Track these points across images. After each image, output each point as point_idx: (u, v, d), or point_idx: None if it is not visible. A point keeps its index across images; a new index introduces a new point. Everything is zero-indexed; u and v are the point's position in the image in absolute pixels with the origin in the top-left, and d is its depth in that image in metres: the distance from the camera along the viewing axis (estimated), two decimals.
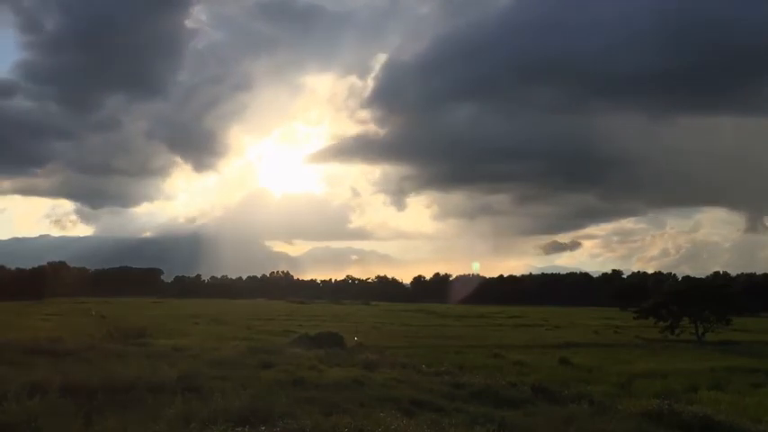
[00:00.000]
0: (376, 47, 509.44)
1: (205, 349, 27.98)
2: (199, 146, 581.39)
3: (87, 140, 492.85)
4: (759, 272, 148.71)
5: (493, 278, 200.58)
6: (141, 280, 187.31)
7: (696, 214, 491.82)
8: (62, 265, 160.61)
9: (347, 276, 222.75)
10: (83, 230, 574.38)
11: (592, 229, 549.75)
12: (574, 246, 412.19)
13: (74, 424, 11.04)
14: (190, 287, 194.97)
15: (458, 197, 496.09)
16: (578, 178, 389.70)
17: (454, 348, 36.69)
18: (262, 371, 19.61)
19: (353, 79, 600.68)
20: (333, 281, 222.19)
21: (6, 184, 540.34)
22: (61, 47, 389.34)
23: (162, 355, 24.37)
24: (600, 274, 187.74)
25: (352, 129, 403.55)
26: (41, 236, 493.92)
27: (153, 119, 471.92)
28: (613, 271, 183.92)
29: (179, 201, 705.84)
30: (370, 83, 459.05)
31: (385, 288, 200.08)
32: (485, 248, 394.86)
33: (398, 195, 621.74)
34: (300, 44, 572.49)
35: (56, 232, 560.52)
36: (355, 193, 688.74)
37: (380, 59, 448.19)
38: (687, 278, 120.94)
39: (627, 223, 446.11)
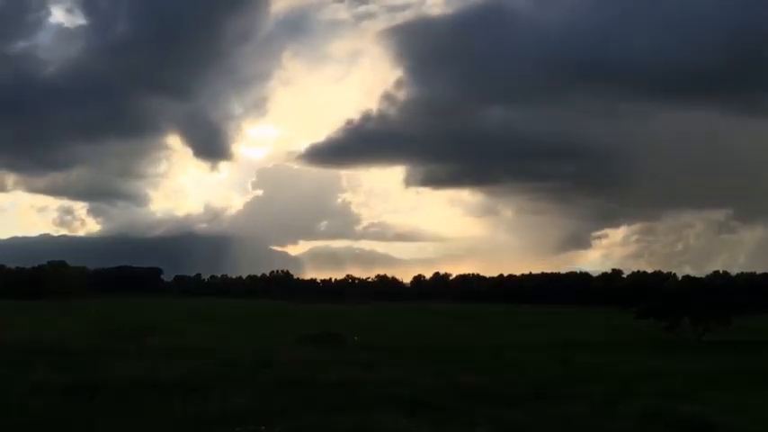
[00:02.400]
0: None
1: (205, 349, 28.04)
2: (217, 145, 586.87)
3: (109, 141, 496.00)
4: (759, 271, 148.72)
5: (493, 277, 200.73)
6: (141, 279, 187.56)
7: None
8: (62, 264, 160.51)
9: (347, 276, 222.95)
10: (90, 230, 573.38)
11: (621, 231, 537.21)
12: (600, 246, 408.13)
13: (74, 424, 11.05)
14: (190, 286, 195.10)
15: (474, 196, 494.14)
16: (613, 180, 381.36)
17: (454, 348, 36.69)
18: (262, 371, 19.61)
19: (382, 74, 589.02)
20: (333, 280, 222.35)
21: (13, 180, 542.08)
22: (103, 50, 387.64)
23: (162, 354, 24.41)
24: (600, 273, 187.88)
25: (376, 124, 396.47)
26: (42, 235, 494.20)
27: (180, 120, 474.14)
28: (613, 270, 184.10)
29: (189, 200, 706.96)
30: (398, 79, 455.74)
31: (385, 287, 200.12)
32: (499, 249, 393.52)
33: (416, 194, 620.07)
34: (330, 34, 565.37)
35: (64, 232, 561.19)
36: (369, 192, 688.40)
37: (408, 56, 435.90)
38: (687, 277, 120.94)
39: (658, 225, 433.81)
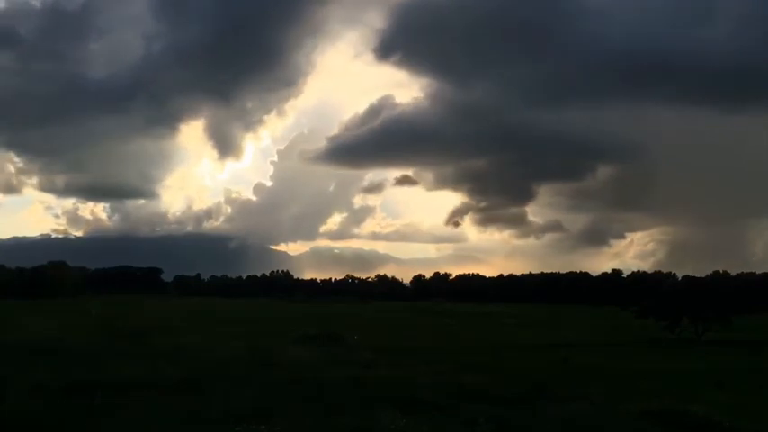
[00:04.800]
0: None
1: (205, 349, 28.03)
2: (235, 146, 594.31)
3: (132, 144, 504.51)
4: (759, 271, 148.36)
5: (493, 277, 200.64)
6: (141, 279, 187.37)
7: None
8: (62, 264, 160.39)
9: (347, 276, 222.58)
10: (91, 229, 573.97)
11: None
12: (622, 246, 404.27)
13: (74, 424, 11.04)
14: (190, 286, 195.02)
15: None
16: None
17: (454, 347, 36.71)
18: (262, 370, 19.62)
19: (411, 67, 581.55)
20: (333, 280, 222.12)
21: (26, 178, 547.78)
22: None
23: (162, 354, 24.41)
24: (600, 273, 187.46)
25: (393, 123, 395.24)
26: (42, 235, 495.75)
27: (206, 123, 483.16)
28: (613, 270, 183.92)
29: (191, 200, 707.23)
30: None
31: (385, 287, 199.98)
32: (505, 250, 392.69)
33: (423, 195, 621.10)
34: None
35: (65, 231, 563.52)
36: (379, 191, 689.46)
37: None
38: (687, 277, 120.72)
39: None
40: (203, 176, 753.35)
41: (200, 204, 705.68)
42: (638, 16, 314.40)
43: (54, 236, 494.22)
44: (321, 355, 25.71)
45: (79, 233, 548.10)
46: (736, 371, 27.69)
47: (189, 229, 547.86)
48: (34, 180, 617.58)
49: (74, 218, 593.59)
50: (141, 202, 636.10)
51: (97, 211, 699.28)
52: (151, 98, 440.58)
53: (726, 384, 23.32)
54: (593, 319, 76.69)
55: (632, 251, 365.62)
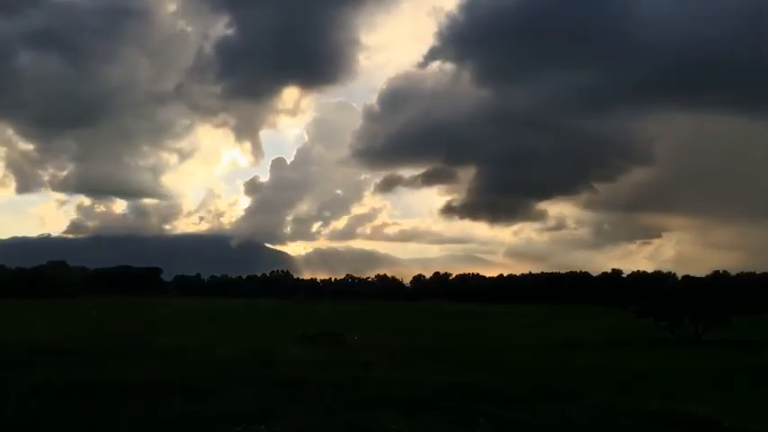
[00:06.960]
0: None
1: (205, 349, 28.05)
2: (253, 146, 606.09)
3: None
4: (759, 271, 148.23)
5: (493, 277, 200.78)
6: (141, 279, 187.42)
7: None
8: (62, 264, 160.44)
9: (347, 276, 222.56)
10: (91, 229, 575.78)
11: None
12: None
13: (74, 424, 11.04)
14: (190, 286, 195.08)
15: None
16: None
17: (454, 347, 36.67)
18: (262, 371, 19.64)
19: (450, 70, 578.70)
20: (333, 280, 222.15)
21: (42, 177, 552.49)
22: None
23: (162, 354, 24.43)
24: (600, 273, 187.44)
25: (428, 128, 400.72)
26: (42, 235, 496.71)
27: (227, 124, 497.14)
28: (613, 270, 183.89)
29: (192, 200, 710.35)
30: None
31: (385, 287, 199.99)
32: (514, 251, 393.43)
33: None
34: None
35: (68, 230, 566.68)
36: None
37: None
38: (687, 277, 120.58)
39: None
40: (216, 176, 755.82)
41: (209, 203, 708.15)
42: (688, 22, 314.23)
43: (54, 236, 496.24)
44: (321, 355, 25.73)
45: (80, 233, 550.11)
46: (736, 371, 27.65)
47: (190, 228, 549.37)
48: (46, 178, 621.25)
49: (83, 216, 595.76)
50: (155, 201, 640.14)
51: (103, 210, 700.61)
52: (180, 102, 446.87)
53: (726, 384, 23.31)
54: (594, 319, 76.71)
55: (669, 251, 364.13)
